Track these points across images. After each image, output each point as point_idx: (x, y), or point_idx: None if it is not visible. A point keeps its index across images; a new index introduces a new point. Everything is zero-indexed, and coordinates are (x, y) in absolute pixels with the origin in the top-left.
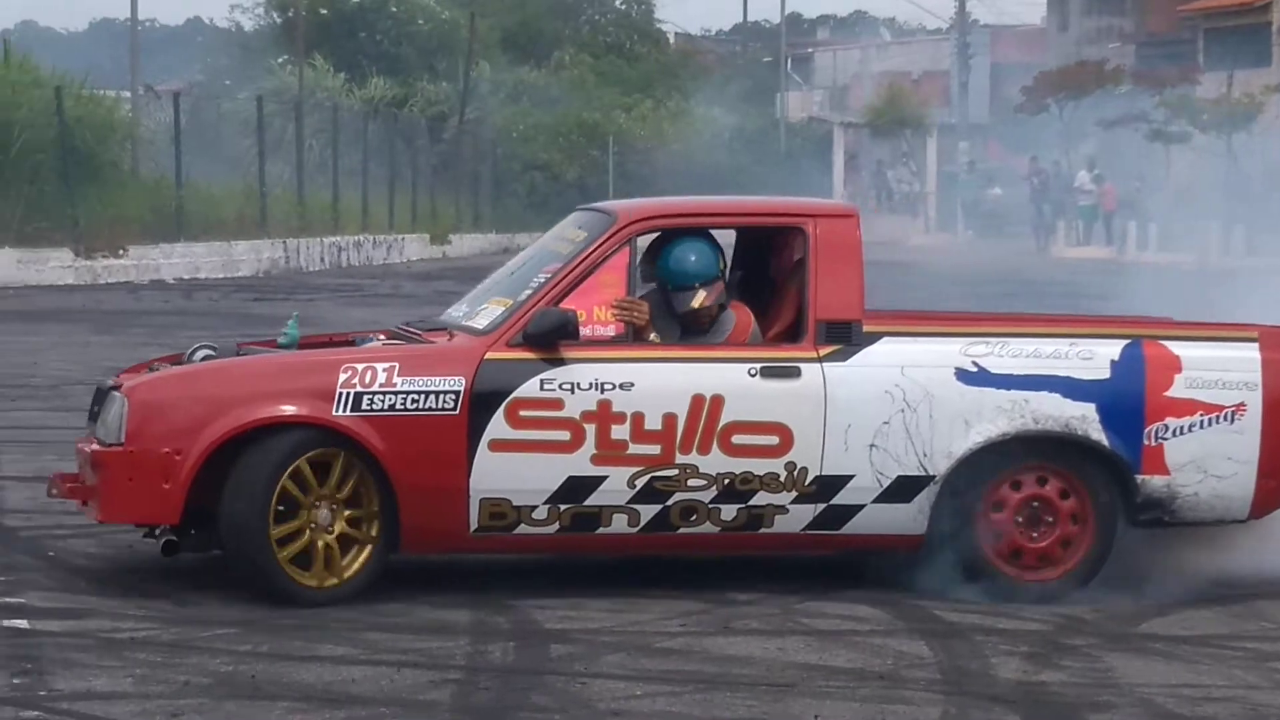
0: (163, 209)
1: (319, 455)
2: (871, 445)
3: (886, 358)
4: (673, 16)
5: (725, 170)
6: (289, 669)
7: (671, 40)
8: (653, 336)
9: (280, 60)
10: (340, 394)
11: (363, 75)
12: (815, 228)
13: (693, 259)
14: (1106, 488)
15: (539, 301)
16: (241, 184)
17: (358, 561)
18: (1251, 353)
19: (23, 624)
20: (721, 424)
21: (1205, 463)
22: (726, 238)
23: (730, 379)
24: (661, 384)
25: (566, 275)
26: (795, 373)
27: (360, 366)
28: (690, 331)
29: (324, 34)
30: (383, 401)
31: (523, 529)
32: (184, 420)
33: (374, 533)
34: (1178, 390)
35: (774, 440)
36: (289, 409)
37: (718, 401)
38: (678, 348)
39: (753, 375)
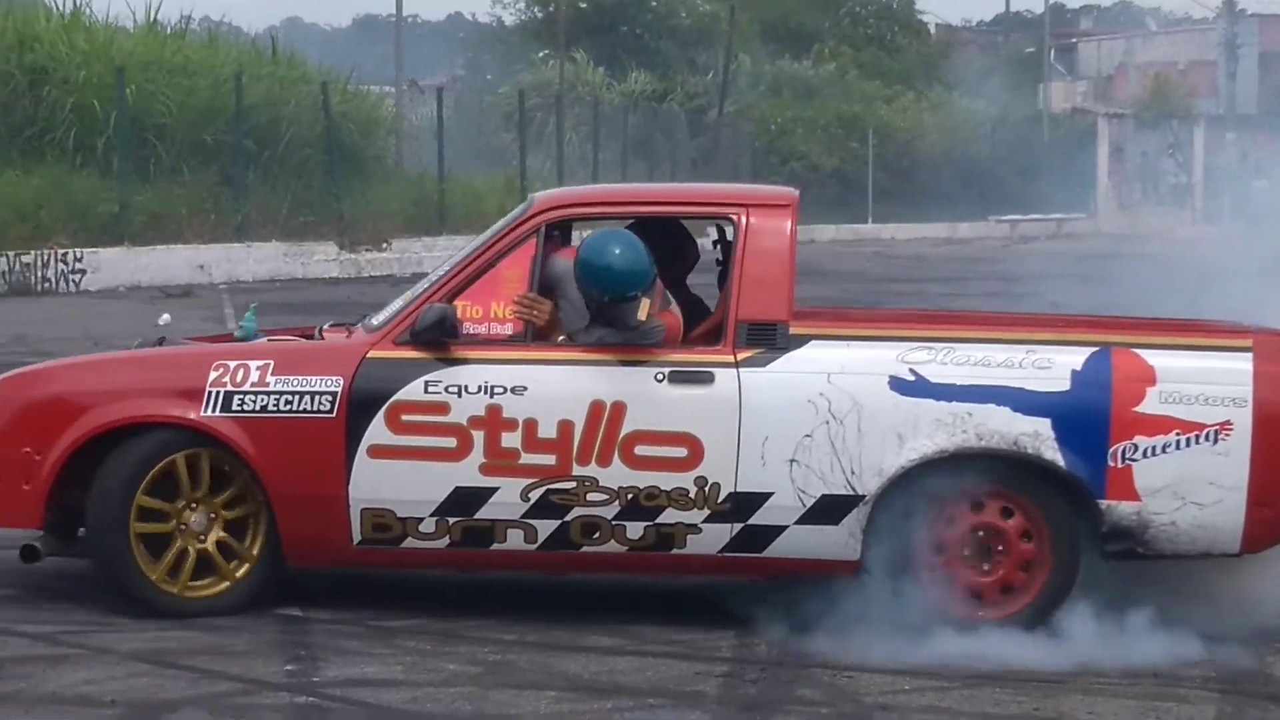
0: (425, 202)
1: (193, 457)
2: (792, 460)
3: (812, 364)
4: (934, 7)
5: (986, 162)
6: (556, 659)
7: (932, 31)
8: (562, 338)
9: (541, 54)
10: (210, 393)
11: (623, 69)
12: (744, 218)
13: (625, 262)
14: (1064, 514)
15: (431, 295)
16: (502, 177)
17: (239, 573)
18: (1242, 364)
19: (296, 612)
20: (623, 433)
21: (1183, 488)
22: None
23: (633, 385)
24: (557, 389)
25: (466, 267)
26: (707, 378)
27: (233, 364)
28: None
29: (584, 28)
30: (254, 402)
31: (410, 542)
32: (45, 419)
33: (254, 543)
34: (1150, 405)
35: (682, 452)
36: (152, 408)
37: (619, 409)
38: (577, 349)
39: (659, 381)
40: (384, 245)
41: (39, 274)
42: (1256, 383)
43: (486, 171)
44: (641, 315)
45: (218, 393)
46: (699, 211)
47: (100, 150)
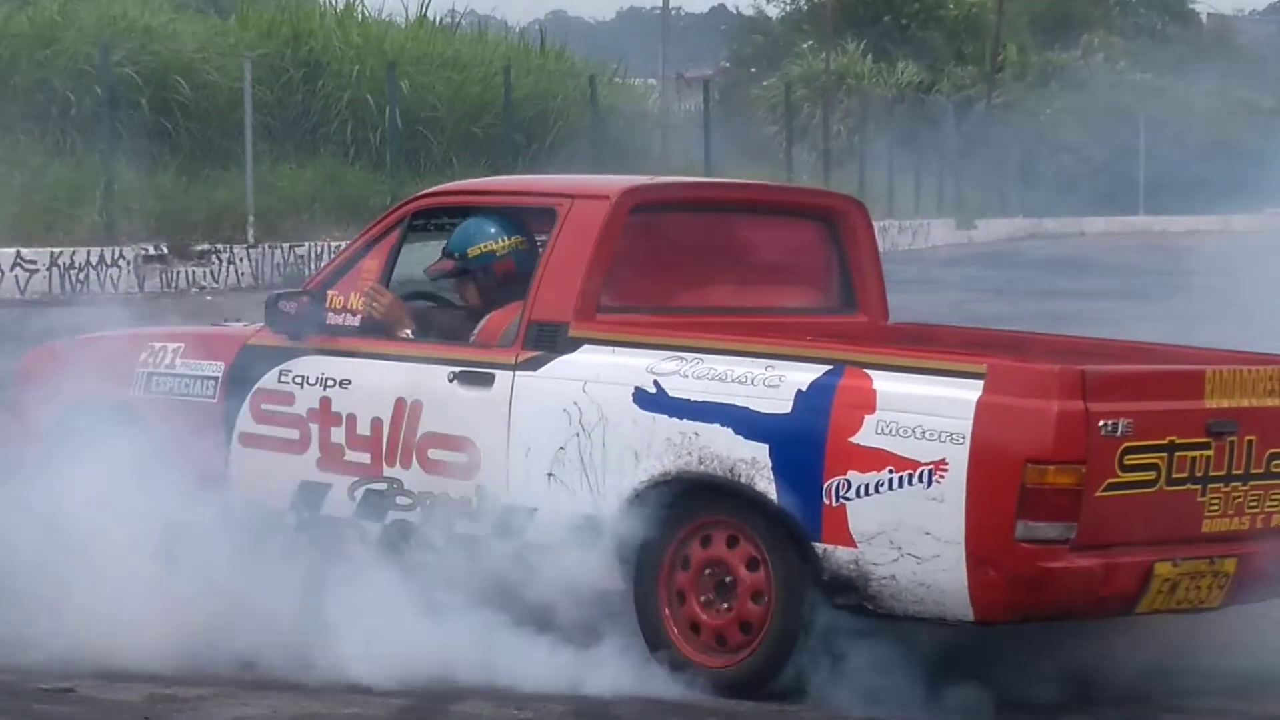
0: None
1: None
2: (550, 474)
3: (574, 369)
4: None
5: (1261, 153)
6: None
7: (1204, 20)
8: (406, 333)
9: (807, 45)
10: (138, 374)
11: (890, 60)
12: (566, 210)
13: (454, 231)
14: (784, 556)
15: (310, 283)
16: (768, 169)
17: None
18: (966, 393)
19: None
20: (419, 434)
21: (898, 536)
22: None
23: (430, 383)
24: (373, 384)
25: (342, 256)
26: (488, 380)
27: (158, 346)
28: (458, 329)
29: (850, 19)
30: (164, 384)
31: (281, 535)
32: (37, 394)
33: None
34: (865, 436)
35: (463, 458)
36: (100, 387)
37: (417, 408)
38: (393, 344)
39: (451, 380)
40: None
41: (312, 266)
42: (978, 416)
43: (752, 165)
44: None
45: (143, 373)
46: (532, 202)
47: (373, 144)
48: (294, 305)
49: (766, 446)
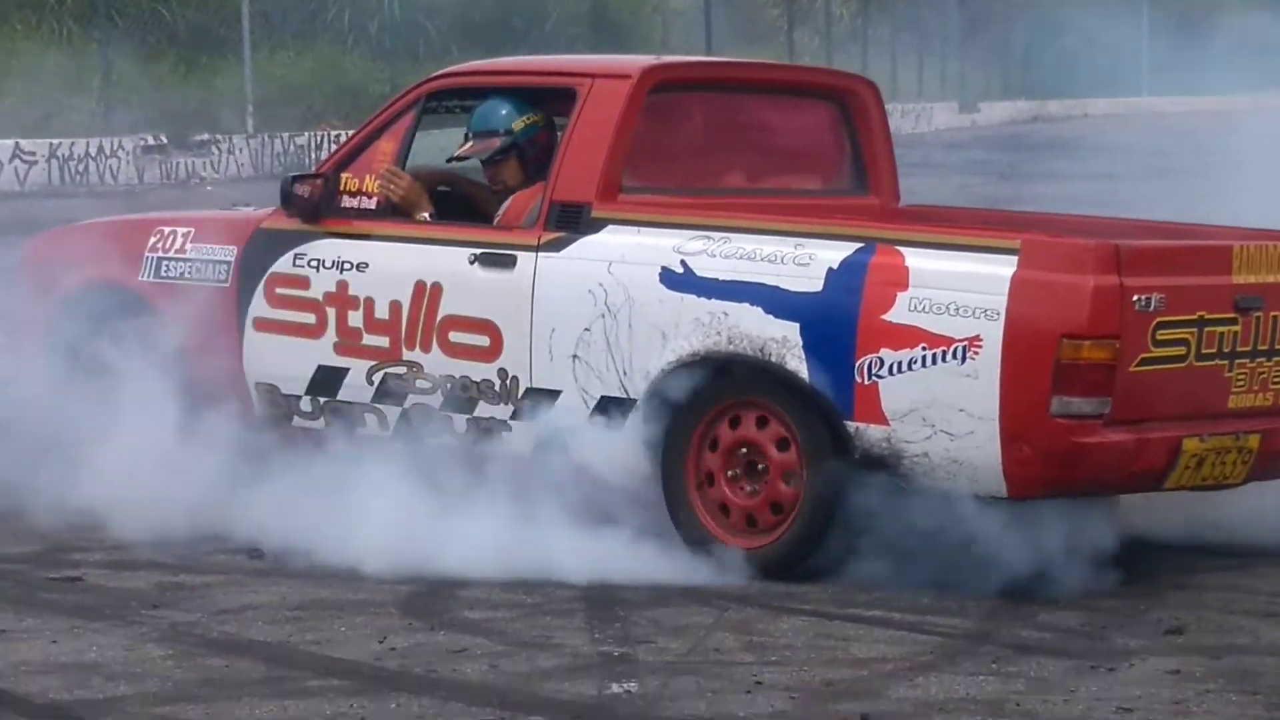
0: None
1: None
2: (574, 356)
3: (599, 250)
4: None
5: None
6: None
7: None
8: (424, 215)
9: None
10: (146, 259)
11: None
12: (586, 91)
13: (475, 112)
14: (816, 435)
15: (324, 165)
16: (770, 52)
17: None
18: (1001, 269)
19: None
20: (440, 317)
21: (931, 413)
22: None
23: (450, 266)
24: (391, 267)
25: (357, 136)
26: (510, 262)
27: (167, 230)
28: (480, 208)
29: None
30: (174, 269)
31: (297, 421)
32: (45, 276)
33: None
34: (898, 313)
35: (485, 341)
36: (105, 272)
37: (437, 291)
38: (411, 226)
39: (471, 263)
40: None
41: (313, 155)
42: (1013, 291)
43: (753, 49)
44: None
45: (152, 259)
46: (552, 82)
47: (371, 31)
48: (308, 188)
49: (797, 325)
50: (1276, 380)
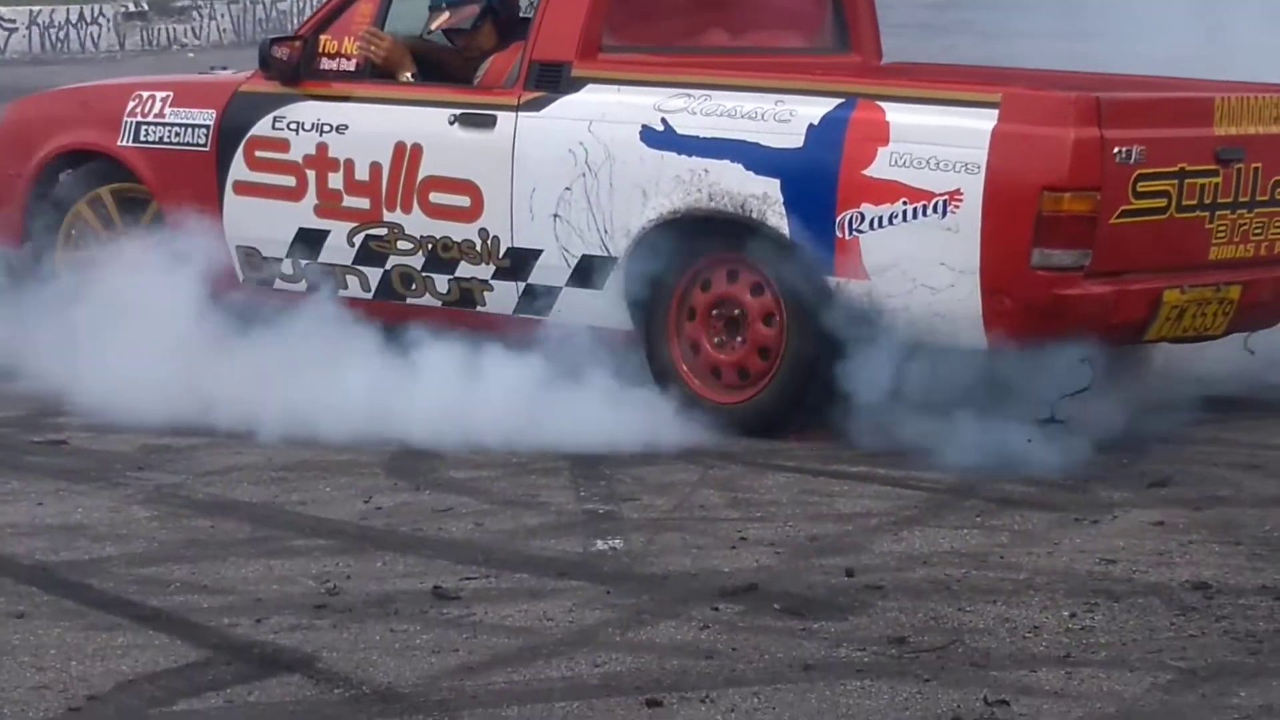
0: None
1: (126, 190)
2: (555, 215)
3: (579, 109)
4: None
5: None
6: None
7: None
8: (407, 76)
9: None
10: (125, 123)
11: None
12: None
13: None
14: (799, 291)
15: (306, 28)
16: None
17: None
18: (981, 123)
19: None
20: (420, 178)
21: (912, 268)
22: None
23: (430, 127)
24: (370, 128)
25: (334, 1)
26: (490, 122)
27: (145, 95)
28: (455, 73)
29: None
30: (153, 133)
31: (279, 284)
32: (25, 142)
33: None
34: (879, 168)
35: (466, 202)
36: (84, 137)
37: (417, 152)
38: (393, 87)
39: (451, 124)
40: None
41: (294, 20)
42: (993, 145)
43: None
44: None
45: (131, 123)
46: None
47: None
48: (287, 50)
49: (778, 181)
50: (1258, 231)
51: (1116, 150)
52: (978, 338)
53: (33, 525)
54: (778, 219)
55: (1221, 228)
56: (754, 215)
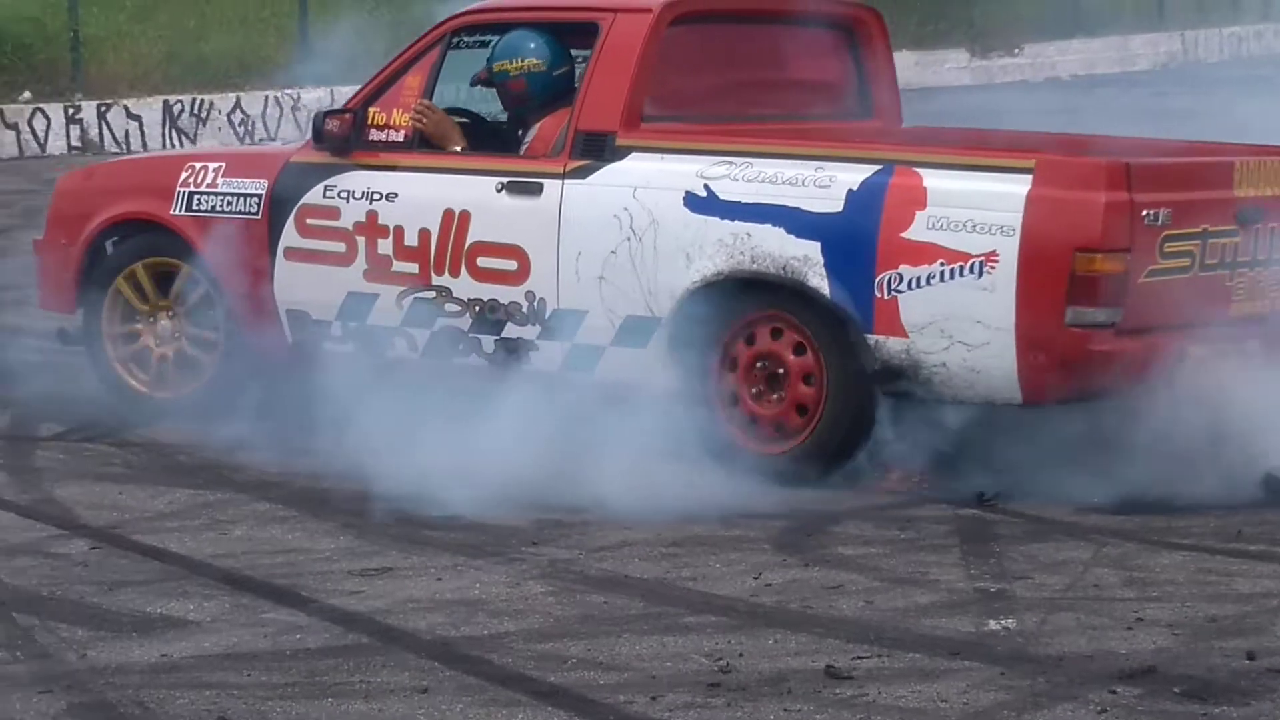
0: (1059, 4)
1: (161, 265)
2: (600, 278)
3: (624, 176)
4: None
5: None
6: None
7: None
8: (457, 148)
9: None
10: (178, 193)
11: None
12: (609, 25)
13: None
14: (839, 349)
15: (355, 100)
16: None
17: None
18: (1016, 187)
19: None
20: (468, 244)
21: (950, 326)
22: None
23: (477, 194)
24: (419, 196)
25: (383, 73)
26: (537, 189)
27: (198, 165)
28: (501, 144)
29: None
30: (206, 202)
31: (327, 345)
32: (78, 211)
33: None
34: (917, 231)
35: (513, 265)
36: (137, 206)
37: (465, 218)
38: (441, 156)
39: (499, 191)
40: (1016, 50)
41: None
42: (1028, 209)
43: None
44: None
45: (184, 193)
46: (573, 17)
47: None
48: (338, 122)
49: (818, 244)
50: (1275, 288)
51: (1145, 212)
52: (1012, 393)
53: (432, 600)
54: (819, 280)
55: (1241, 285)
56: (795, 276)
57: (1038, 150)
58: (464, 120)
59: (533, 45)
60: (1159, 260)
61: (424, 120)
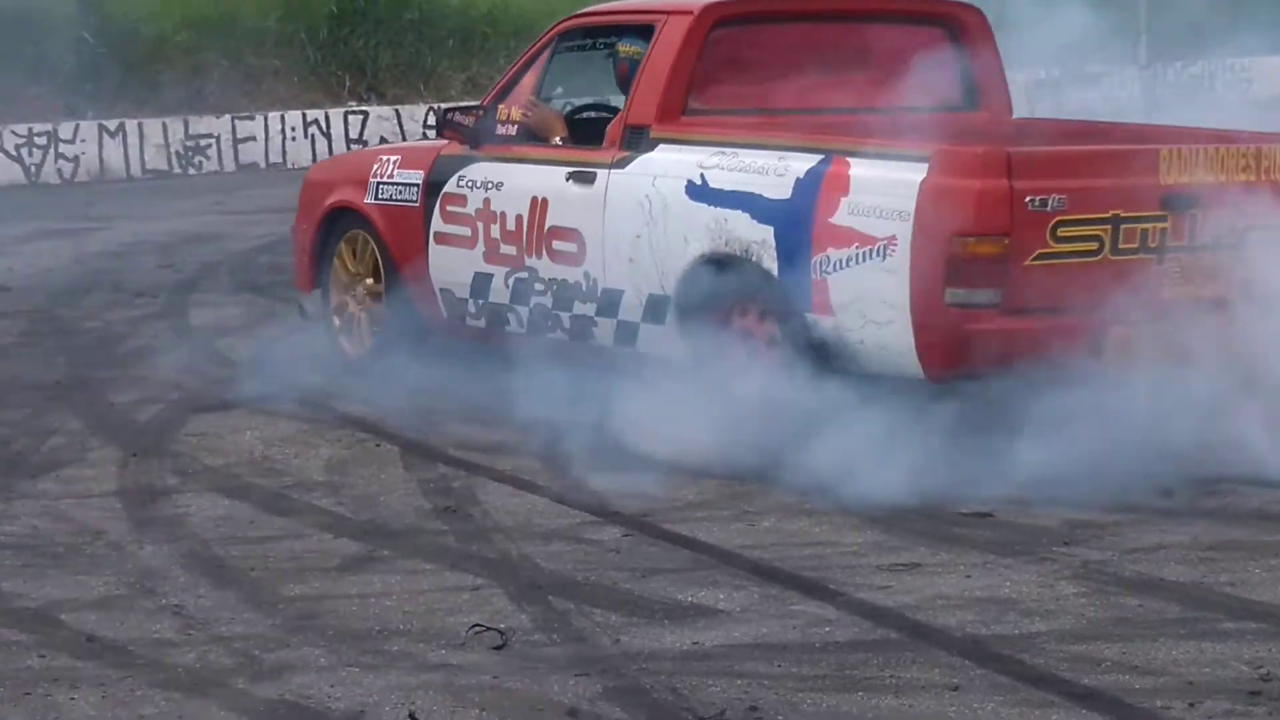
0: None
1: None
2: (630, 259)
3: (649, 166)
4: None
5: None
6: None
7: None
8: (557, 139)
9: None
10: (370, 183)
11: None
12: (662, 25)
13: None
14: (789, 326)
15: (488, 98)
16: None
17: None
18: (914, 175)
19: None
20: (546, 229)
21: (864, 305)
22: None
23: (552, 183)
24: (516, 185)
25: (509, 74)
26: (592, 179)
27: (385, 159)
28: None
29: None
30: (385, 191)
31: (468, 321)
32: (312, 200)
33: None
34: (841, 216)
35: (573, 248)
36: (345, 196)
37: (544, 205)
38: (532, 148)
39: (567, 180)
40: None
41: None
42: (920, 195)
43: None
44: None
45: (374, 183)
46: (642, 19)
47: None
48: (469, 118)
49: (772, 229)
50: (1221, 274)
51: (1029, 199)
52: (915, 369)
53: (962, 598)
54: (770, 262)
55: (1175, 270)
56: (753, 259)
57: (948, 139)
58: (605, 114)
59: (639, 34)
60: (1051, 244)
61: (529, 115)
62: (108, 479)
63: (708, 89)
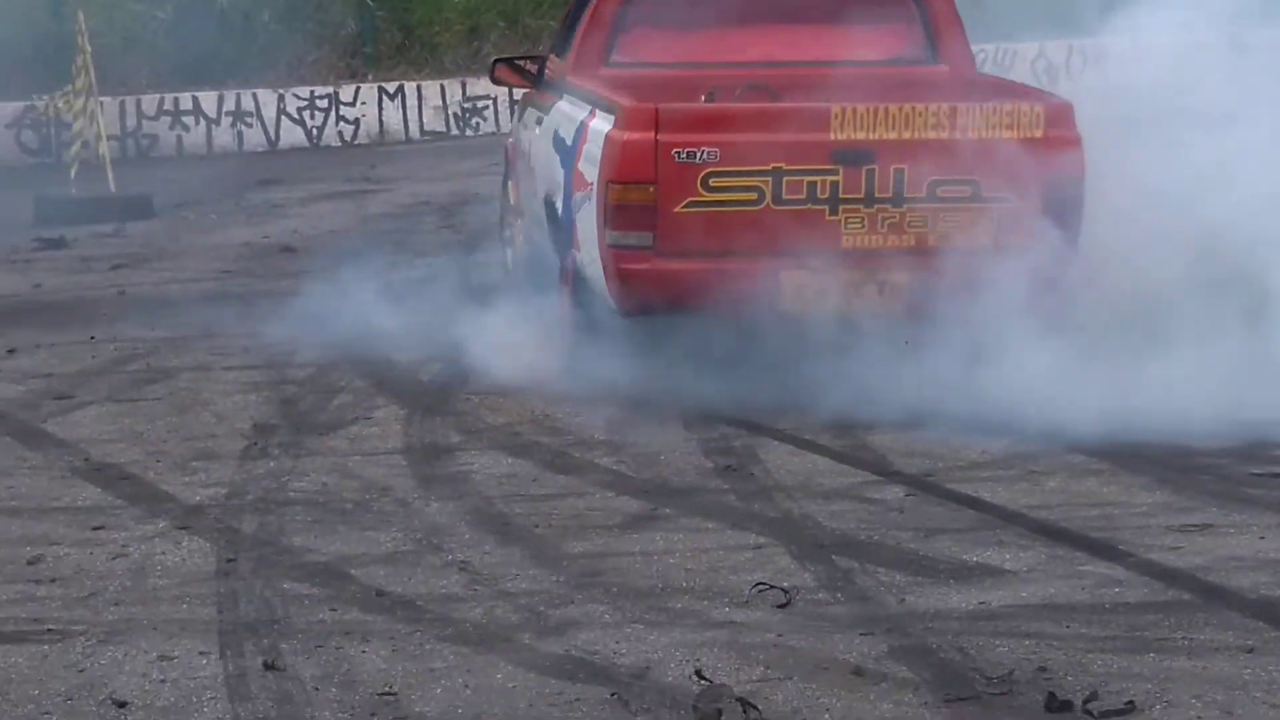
0: None
1: None
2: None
3: (555, 116)
4: None
5: None
6: None
7: None
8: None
9: None
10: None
11: None
12: None
13: None
14: (565, 262)
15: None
16: None
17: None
18: (607, 127)
19: None
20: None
21: (588, 244)
22: None
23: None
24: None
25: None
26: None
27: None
28: None
29: None
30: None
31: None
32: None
33: None
34: (582, 164)
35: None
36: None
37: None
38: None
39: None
40: None
41: None
42: (605, 146)
43: None
44: None
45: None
46: None
47: None
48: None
49: (564, 173)
50: (916, 225)
51: (676, 151)
52: (611, 303)
53: (1256, 559)
54: (560, 203)
55: (854, 221)
56: (552, 200)
57: (646, 96)
58: None
59: None
60: (702, 193)
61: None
62: (393, 436)
63: (628, 44)
